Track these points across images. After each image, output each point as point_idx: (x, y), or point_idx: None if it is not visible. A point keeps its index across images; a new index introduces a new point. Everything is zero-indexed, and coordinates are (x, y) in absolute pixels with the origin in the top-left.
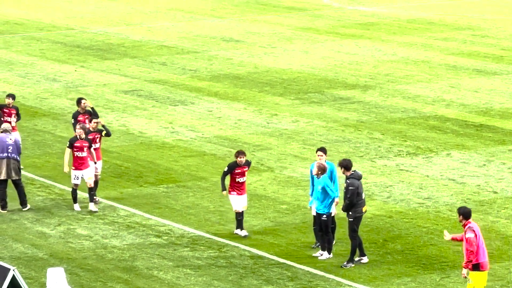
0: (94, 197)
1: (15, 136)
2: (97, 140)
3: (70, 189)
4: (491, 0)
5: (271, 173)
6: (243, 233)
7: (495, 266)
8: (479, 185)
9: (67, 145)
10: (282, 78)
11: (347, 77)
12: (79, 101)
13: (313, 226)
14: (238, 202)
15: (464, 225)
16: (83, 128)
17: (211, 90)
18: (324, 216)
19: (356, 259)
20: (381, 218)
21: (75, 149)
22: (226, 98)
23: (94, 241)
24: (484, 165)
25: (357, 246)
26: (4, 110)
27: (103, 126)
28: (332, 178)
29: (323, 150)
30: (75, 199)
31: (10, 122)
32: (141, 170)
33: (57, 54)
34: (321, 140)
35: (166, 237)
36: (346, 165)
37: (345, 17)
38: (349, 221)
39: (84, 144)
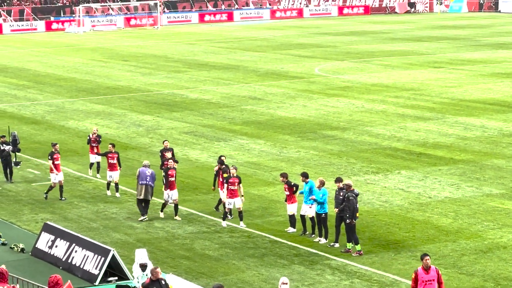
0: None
1: (152, 171)
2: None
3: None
4: (425, 72)
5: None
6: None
7: (430, 247)
8: (419, 193)
9: (224, 180)
10: (289, 123)
11: (332, 122)
12: (220, 158)
13: (311, 222)
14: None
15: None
16: (235, 168)
17: (242, 131)
18: (323, 214)
19: (331, 244)
20: None
21: (229, 184)
22: (252, 137)
23: (166, 231)
24: (423, 179)
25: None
26: (165, 163)
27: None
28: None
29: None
30: (224, 218)
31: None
32: (197, 184)
33: (141, 108)
34: (314, 164)
35: (213, 228)
36: (339, 180)
37: (330, 82)
38: (340, 217)
39: (235, 180)
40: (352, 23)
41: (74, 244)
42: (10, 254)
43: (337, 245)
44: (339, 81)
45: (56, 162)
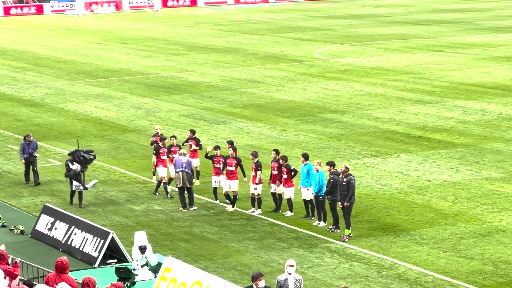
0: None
1: (188, 158)
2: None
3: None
4: (424, 55)
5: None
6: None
7: (429, 230)
8: (418, 176)
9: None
10: (288, 106)
11: (331, 105)
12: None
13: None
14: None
15: None
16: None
17: (241, 114)
18: (321, 197)
19: (330, 227)
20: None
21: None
22: (252, 120)
23: (165, 214)
24: (422, 163)
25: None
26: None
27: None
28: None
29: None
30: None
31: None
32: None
33: (140, 91)
34: (313, 147)
35: (212, 211)
36: (331, 164)
37: (329, 66)
38: (328, 202)
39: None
40: (352, 6)
41: (73, 227)
42: (10, 236)
43: (338, 230)
44: (338, 64)
45: (162, 157)
